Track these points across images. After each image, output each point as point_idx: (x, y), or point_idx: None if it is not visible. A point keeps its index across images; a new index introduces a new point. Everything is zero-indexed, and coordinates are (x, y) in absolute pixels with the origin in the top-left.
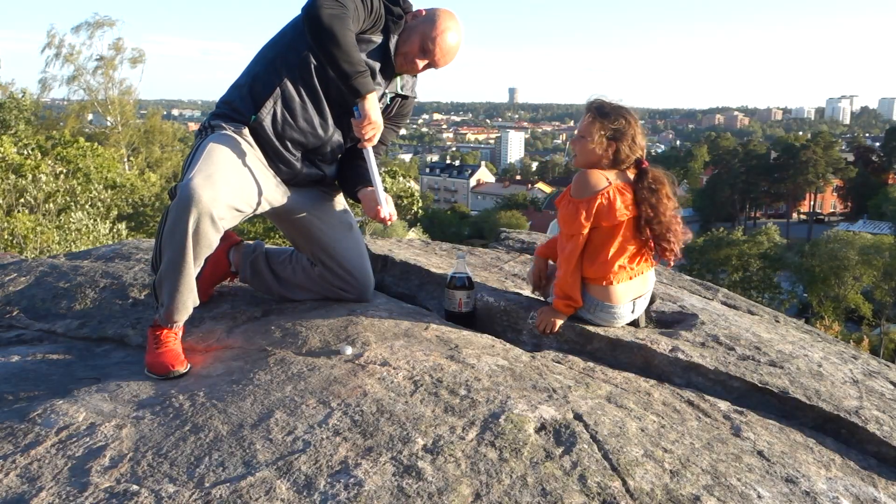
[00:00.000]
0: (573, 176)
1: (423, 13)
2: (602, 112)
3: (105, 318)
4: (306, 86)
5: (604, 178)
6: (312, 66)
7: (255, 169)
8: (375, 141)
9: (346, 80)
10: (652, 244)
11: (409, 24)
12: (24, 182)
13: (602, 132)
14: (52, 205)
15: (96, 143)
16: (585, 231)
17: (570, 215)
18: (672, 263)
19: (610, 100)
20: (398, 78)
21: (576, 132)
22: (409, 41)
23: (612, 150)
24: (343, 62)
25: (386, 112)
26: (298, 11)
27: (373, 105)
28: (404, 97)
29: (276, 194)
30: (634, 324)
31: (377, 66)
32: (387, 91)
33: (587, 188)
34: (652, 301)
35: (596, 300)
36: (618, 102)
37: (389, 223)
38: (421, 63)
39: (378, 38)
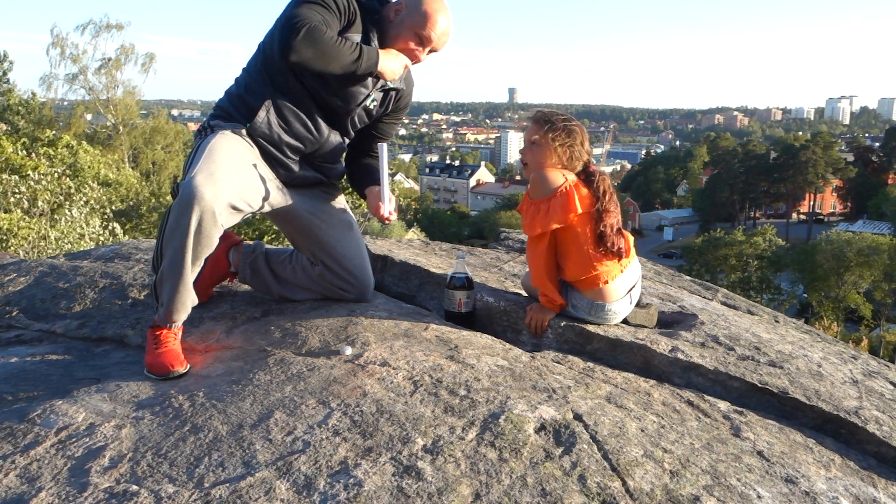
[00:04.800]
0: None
1: (405, 6)
2: (551, 120)
3: (105, 319)
4: (296, 92)
5: (560, 175)
6: (300, 71)
7: (255, 168)
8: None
9: (356, 74)
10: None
11: (394, 20)
12: (13, 179)
13: (554, 138)
14: (42, 203)
15: (83, 142)
16: (551, 228)
17: (533, 216)
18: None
19: (556, 111)
20: None
21: (526, 141)
22: (400, 38)
23: (564, 156)
24: (344, 68)
25: (384, 106)
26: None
27: (388, 60)
28: (402, 89)
29: (276, 193)
30: (640, 304)
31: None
32: (374, 90)
33: (546, 186)
34: (640, 303)
35: (593, 301)
36: (563, 113)
37: (388, 222)
38: (422, 53)
39: (357, 37)
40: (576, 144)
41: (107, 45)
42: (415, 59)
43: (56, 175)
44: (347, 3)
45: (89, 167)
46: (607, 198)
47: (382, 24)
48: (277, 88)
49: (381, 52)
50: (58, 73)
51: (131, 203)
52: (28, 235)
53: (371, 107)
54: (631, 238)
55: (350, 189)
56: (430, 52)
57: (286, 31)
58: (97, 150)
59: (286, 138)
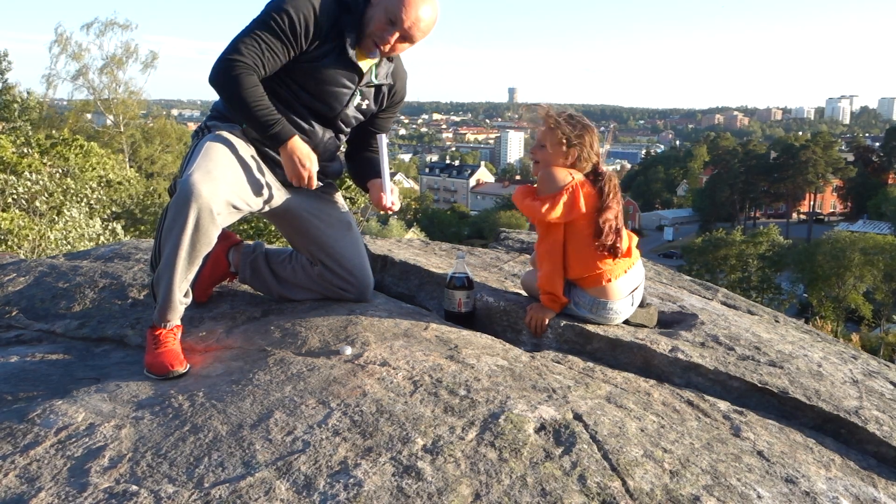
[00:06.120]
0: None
1: None
2: (562, 120)
3: (104, 319)
4: (286, 96)
5: (567, 174)
6: (279, 76)
7: (253, 168)
8: (314, 183)
9: (263, 135)
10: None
11: (372, 2)
12: (10, 179)
13: (562, 139)
14: (40, 203)
15: (92, 143)
16: (558, 221)
17: (539, 208)
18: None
19: (566, 110)
20: (372, 67)
21: (537, 140)
22: (373, 20)
23: (573, 156)
24: (251, 120)
25: (378, 103)
26: None
27: (295, 150)
28: (391, 84)
29: (274, 193)
30: (641, 304)
31: (339, 72)
32: (359, 88)
33: (553, 184)
34: (642, 303)
35: (596, 299)
36: (583, 117)
37: (391, 211)
38: (392, 38)
39: (328, 46)
40: (585, 145)
41: (111, 44)
42: (384, 43)
43: (57, 175)
44: (307, 24)
45: (94, 168)
46: (610, 196)
47: (364, 18)
48: (268, 92)
49: (297, 140)
50: (59, 72)
51: (132, 204)
52: (28, 235)
53: (364, 106)
54: (635, 239)
55: (350, 185)
56: (403, 40)
57: (220, 65)
58: (104, 150)
59: None
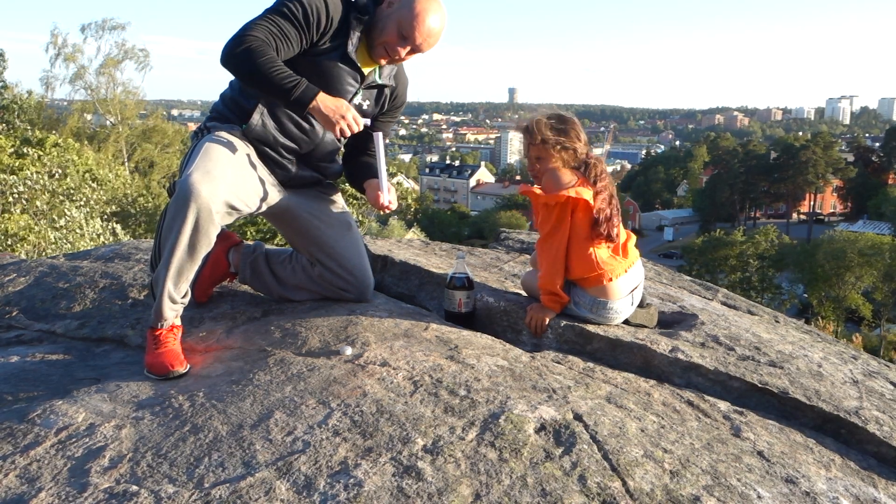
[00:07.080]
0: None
1: None
2: (544, 131)
3: (104, 319)
4: None
5: (571, 175)
6: None
7: (252, 168)
8: (360, 122)
9: (286, 101)
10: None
11: (384, 11)
12: (10, 179)
13: (553, 147)
14: (40, 203)
15: (69, 139)
16: (566, 226)
17: (549, 212)
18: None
19: (541, 113)
20: (376, 68)
21: (530, 158)
22: (385, 30)
23: (569, 156)
24: (271, 87)
25: (379, 105)
26: None
27: (324, 103)
28: (392, 86)
29: (273, 194)
30: (641, 304)
31: (343, 69)
32: (361, 88)
33: (559, 184)
34: (642, 303)
35: (596, 299)
36: (557, 111)
37: (388, 210)
38: (403, 50)
39: (336, 43)
40: (574, 140)
41: (107, 46)
42: (395, 54)
43: (56, 176)
44: (319, 15)
45: (78, 165)
46: (598, 183)
47: (373, 20)
48: None
49: (322, 95)
50: (56, 74)
51: (127, 203)
52: (29, 236)
53: (365, 107)
54: (634, 238)
55: (350, 189)
56: (413, 51)
57: (232, 41)
58: (91, 148)
59: (281, 139)
